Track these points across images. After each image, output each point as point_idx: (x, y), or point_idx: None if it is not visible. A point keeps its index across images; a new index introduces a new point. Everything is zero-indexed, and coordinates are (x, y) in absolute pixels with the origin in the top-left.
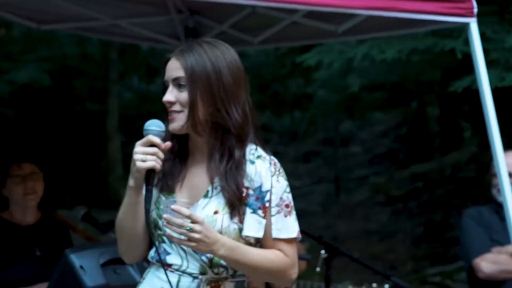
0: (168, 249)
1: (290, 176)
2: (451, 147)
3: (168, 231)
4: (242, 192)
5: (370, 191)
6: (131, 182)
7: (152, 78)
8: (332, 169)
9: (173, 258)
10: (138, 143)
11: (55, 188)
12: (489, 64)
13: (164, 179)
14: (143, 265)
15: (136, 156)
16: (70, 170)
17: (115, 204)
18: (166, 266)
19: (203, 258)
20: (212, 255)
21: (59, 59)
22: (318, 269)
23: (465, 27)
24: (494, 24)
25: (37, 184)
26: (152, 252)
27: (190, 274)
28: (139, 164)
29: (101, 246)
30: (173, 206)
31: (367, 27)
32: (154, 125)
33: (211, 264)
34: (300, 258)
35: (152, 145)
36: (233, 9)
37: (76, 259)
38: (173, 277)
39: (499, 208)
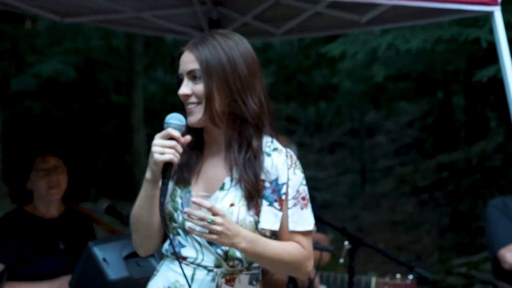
0: (183, 242)
1: (316, 167)
2: (477, 137)
3: (189, 224)
4: (260, 183)
5: (395, 182)
6: (148, 174)
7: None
8: (358, 160)
9: (188, 251)
10: (158, 135)
11: (80, 181)
12: None
13: (180, 172)
14: None
15: (154, 149)
16: (95, 163)
17: None
18: (181, 259)
19: (218, 251)
20: (227, 248)
21: (84, 52)
22: (341, 260)
23: (489, 15)
24: None
25: (61, 177)
26: (166, 245)
27: (205, 267)
28: (157, 156)
29: (124, 239)
30: (194, 199)
31: (391, 17)
32: (174, 119)
33: (227, 257)
34: (323, 249)
35: (171, 138)
36: (256, 0)
37: (99, 252)
38: (188, 270)
39: None
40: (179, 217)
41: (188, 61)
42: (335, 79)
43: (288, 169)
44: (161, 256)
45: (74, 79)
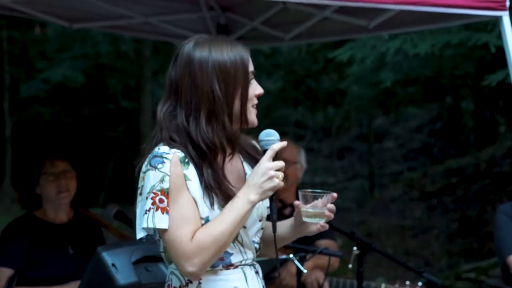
0: (230, 251)
1: (324, 173)
2: (486, 142)
3: (322, 221)
4: None
5: (404, 187)
6: (256, 198)
7: None
8: (366, 165)
9: (236, 257)
10: (266, 159)
11: (89, 186)
12: None
13: (220, 192)
14: None
15: (272, 173)
16: (104, 168)
17: None
18: (229, 266)
19: (255, 245)
20: (260, 240)
21: (92, 58)
22: (350, 265)
23: (497, 20)
24: None
25: (70, 182)
26: None
27: (248, 265)
28: (279, 182)
29: (133, 244)
30: (334, 194)
31: (399, 22)
32: (271, 135)
33: (259, 248)
34: (332, 255)
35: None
36: (264, 5)
37: (108, 257)
38: (239, 273)
39: None
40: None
41: (251, 62)
42: (343, 84)
43: None
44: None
45: (83, 85)
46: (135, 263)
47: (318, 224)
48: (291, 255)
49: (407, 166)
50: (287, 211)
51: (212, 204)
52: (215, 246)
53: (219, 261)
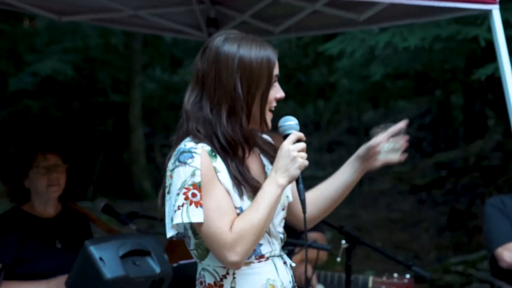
0: (260, 241)
1: (314, 166)
2: (475, 136)
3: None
4: None
5: (393, 180)
6: (284, 180)
7: (175, 68)
8: None
9: (265, 248)
10: (288, 142)
11: (78, 180)
12: None
13: (248, 182)
14: (163, 257)
15: (295, 154)
16: (93, 162)
17: (139, 195)
18: (260, 257)
19: (280, 236)
20: (283, 231)
21: (82, 51)
22: (338, 259)
23: (487, 14)
24: None
25: (61, 176)
26: None
27: (277, 256)
28: (303, 161)
29: (121, 238)
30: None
31: (388, 15)
32: (291, 120)
33: (284, 238)
34: (321, 248)
35: (298, 140)
36: None
37: (95, 251)
38: (269, 264)
39: None
40: None
41: (277, 65)
42: (333, 77)
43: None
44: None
45: (72, 78)
46: (123, 257)
47: (394, 158)
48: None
49: None
50: None
51: (241, 196)
52: (254, 232)
53: (252, 252)
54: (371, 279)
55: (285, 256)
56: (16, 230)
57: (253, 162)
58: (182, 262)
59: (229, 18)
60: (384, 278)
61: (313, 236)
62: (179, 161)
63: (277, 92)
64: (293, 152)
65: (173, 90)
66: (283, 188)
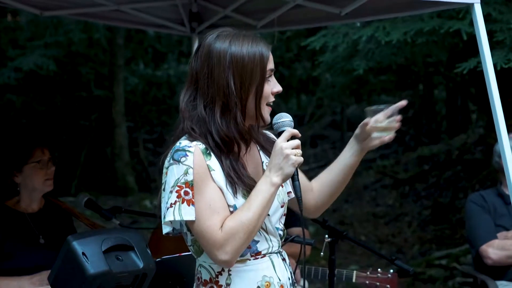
0: (256, 238)
1: None
2: (458, 129)
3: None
4: None
5: (377, 174)
6: (278, 180)
7: (158, 63)
8: (339, 153)
9: (262, 245)
10: (281, 139)
11: (61, 175)
12: (495, 45)
13: (240, 180)
14: (146, 252)
15: (288, 151)
16: (76, 157)
17: (122, 190)
18: (256, 254)
19: (280, 232)
20: (283, 226)
21: (65, 46)
22: (322, 253)
23: (469, 8)
24: (500, 5)
25: (53, 170)
26: None
27: (275, 252)
28: (296, 159)
29: (103, 233)
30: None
31: (371, 9)
32: (285, 117)
33: (283, 235)
34: (303, 243)
35: (292, 137)
36: None
37: (78, 246)
38: (267, 261)
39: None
40: None
41: (272, 59)
42: (316, 71)
43: None
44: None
45: (55, 73)
46: (106, 252)
47: (386, 137)
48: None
49: (379, 153)
50: None
51: (235, 193)
52: (244, 232)
53: (247, 250)
54: (354, 274)
55: (284, 253)
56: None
57: (251, 158)
58: (165, 257)
59: (211, 12)
60: (368, 273)
61: (296, 230)
62: (173, 159)
63: (273, 86)
64: (286, 149)
65: (156, 85)
66: (277, 186)
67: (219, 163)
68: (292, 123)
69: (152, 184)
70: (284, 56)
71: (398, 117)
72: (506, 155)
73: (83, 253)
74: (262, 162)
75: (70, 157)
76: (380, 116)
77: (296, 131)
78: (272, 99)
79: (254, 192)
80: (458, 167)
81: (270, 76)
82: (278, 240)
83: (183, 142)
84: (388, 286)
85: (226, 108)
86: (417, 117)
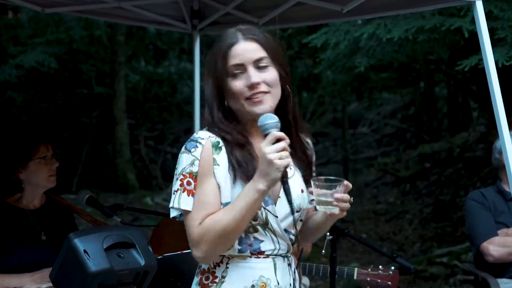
0: (261, 237)
1: None
2: (459, 127)
3: (330, 209)
4: (311, 167)
5: (378, 172)
6: (264, 185)
7: (159, 60)
8: (340, 150)
9: (267, 245)
10: (264, 144)
11: (62, 172)
12: (496, 42)
13: (244, 169)
14: (147, 249)
15: (271, 156)
16: (77, 154)
17: (123, 187)
18: (258, 254)
19: (291, 237)
20: (297, 232)
21: (66, 43)
22: (323, 251)
23: (470, 5)
24: (502, 3)
25: (56, 166)
26: (237, 246)
27: (281, 255)
28: (279, 163)
29: (105, 230)
30: (346, 182)
31: (372, 7)
32: (270, 118)
33: (296, 240)
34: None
35: (277, 140)
36: None
37: (79, 243)
38: (269, 263)
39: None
40: (262, 214)
41: (253, 49)
42: (317, 69)
43: (313, 155)
44: (142, 248)
45: (56, 70)
46: (107, 249)
47: (331, 212)
48: None
49: (380, 151)
50: None
51: (234, 181)
52: (219, 232)
53: (247, 247)
54: (356, 271)
55: (291, 258)
56: (0, 224)
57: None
58: (166, 254)
59: (212, 9)
60: (369, 270)
61: None
62: (185, 148)
63: (247, 80)
64: (269, 154)
65: (157, 82)
66: (262, 193)
67: (228, 157)
68: (279, 124)
69: (153, 181)
70: (285, 53)
71: (339, 195)
72: (507, 153)
73: (85, 251)
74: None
75: (71, 154)
76: (324, 189)
77: (280, 134)
78: (249, 93)
79: (239, 195)
80: (459, 164)
81: (237, 71)
82: (288, 244)
83: (200, 133)
84: (389, 283)
85: (219, 108)
86: (418, 114)
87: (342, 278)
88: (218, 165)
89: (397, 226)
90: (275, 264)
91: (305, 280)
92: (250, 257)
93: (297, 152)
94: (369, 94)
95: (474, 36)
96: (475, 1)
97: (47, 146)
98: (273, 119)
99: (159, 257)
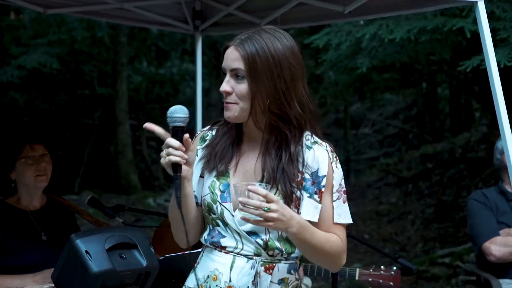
0: (223, 233)
1: None
2: (461, 128)
3: (242, 214)
4: (293, 191)
5: (380, 173)
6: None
7: (161, 61)
8: (343, 151)
9: (228, 241)
10: (168, 139)
11: (64, 173)
12: (498, 43)
13: (216, 163)
14: (150, 250)
15: (161, 153)
16: (80, 155)
17: (125, 188)
18: (220, 248)
19: (258, 240)
20: (267, 238)
21: (68, 43)
22: None
23: (473, 6)
24: (504, 3)
25: (48, 166)
26: (205, 235)
27: (245, 256)
28: (162, 161)
29: (107, 231)
30: (250, 187)
31: (374, 7)
32: (178, 112)
33: (266, 246)
34: None
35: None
36: None
37: (81, 244)
38: (227, 258)
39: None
40: (218, 208)
41: (233, 58)
42: (319, 69)
43: (331, 162)
44: (145, 249)
45: (58, 71)
46: (109, 250)
47: (242, 216)
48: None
49: (383, 152)
50: None
51: (205, 170)
52: (170, 220)
53: (209, 238)
54: (358, 271)
55: (260, 266)
56: (1, 224)
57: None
58: (168, 255)
59: (214, 10)
60: (371, 270)
61: None
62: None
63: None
64: (161, 153)
65: (159, 83)
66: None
67: (206, 149)
68: (186, 120)
69: (155, 182)
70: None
71: (243, 199)
72: (510, 153)
73: (87, 252)
74: (262, 177)
75: (73, 155)
76: (245, 194)
77: (164, 136)
78: (225, 98)
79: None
80: (462, 165)
81: (231, 75)
82: (254, 247)
83: (208, 126)
84: (391, 283)
85: None
86: (420, 115)
87: (344, 279)
88: (197, 156)
89: (399, 226)
90: (233, 262)
91: (307, 281)
92: (215, 249)
93: (281, 172)
94: (371, 94)
95: (476, 37)
96: (477, 2)
97: (31, 146)
98: (182, 114)
99: (161, 257)
